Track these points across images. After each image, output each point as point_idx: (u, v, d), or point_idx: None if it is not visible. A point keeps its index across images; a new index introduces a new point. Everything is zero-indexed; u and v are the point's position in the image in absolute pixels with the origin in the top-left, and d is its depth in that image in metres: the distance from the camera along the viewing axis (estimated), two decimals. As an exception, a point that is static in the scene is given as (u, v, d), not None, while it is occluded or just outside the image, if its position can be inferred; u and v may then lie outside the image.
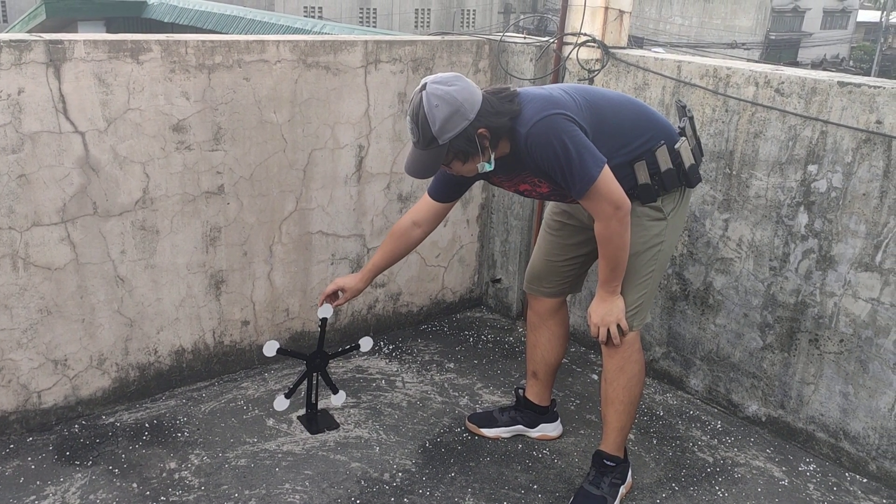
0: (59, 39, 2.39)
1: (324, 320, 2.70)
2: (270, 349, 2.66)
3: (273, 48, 2.80)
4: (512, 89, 2.15)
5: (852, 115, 2.52)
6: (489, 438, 2.79)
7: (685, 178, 2.29)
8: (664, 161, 2.24)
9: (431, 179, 2.45)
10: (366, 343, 2.85)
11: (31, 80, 2.36)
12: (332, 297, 2.59)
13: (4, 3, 23.76)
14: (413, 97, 2.06)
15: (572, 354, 3.45)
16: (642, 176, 2.23)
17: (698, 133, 2.50)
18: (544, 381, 2.75)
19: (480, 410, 2.91)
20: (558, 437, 2.82)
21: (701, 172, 2.90)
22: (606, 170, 2.09)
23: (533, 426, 2.80)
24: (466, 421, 2.85)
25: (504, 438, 2.79)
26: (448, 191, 2.43)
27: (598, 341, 2.37)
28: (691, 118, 2.37)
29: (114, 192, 2.60)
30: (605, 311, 2.30)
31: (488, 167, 2.15)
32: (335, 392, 2.86)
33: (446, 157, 2.09)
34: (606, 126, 2.19)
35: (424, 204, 2.47)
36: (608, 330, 2.32)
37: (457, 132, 2.04)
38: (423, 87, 2.05)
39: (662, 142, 2.25)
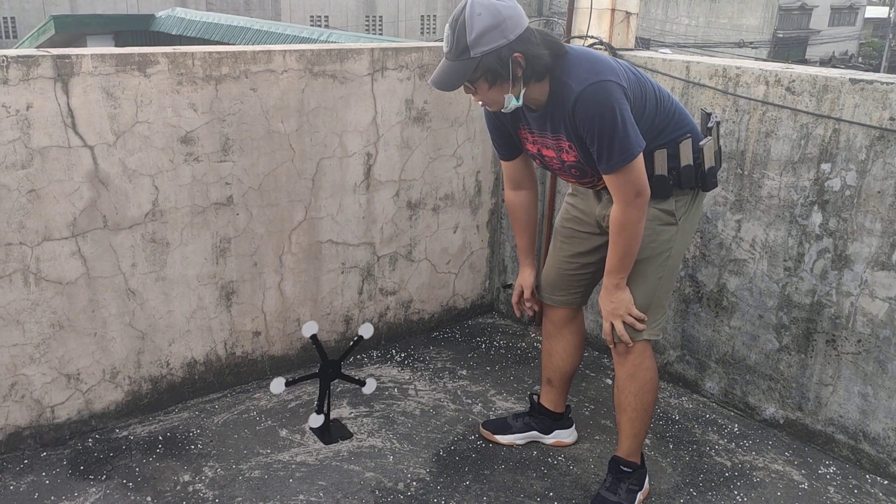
0: (66, 54, 2.40)
1: (313, 336, 2.70)
2: (278, 387, 2.68)
3: (279, 58, 2.80)
4: (562, 41, 2.10)
5: (865, 113, 2.49)
6: (504, 445, 2.76)
7: (702, 178, 2.25)
8: (686, 155, 2.20)
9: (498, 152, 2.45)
10: (366, 330, 2.82)
11: (39, 95, 2.37)
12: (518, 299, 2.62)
13: (14, 18, 23.99)
14: (459, 5, 1.99)
15: (586, 359, 3.42)
16: (660, 166, 2.18)
17: (720, 141, 2.48)
18: (559, 389, 2.72)
19: (494, 417, 2.89)
20: (573, 444, 2.79)
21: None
22: (641, 154, 2.07)
23: (548, 432, 2.77)
24: (480, 427, 2.83)
25: (519, 445, 2.77)
26: (507, 146, 2.40)
27: (608, 344, 2.35)
28: (718, 123, 2.35)
29: (123, 205, 2.61)
30: (612, 305, 2.28)
31: (515, 102, 2.07)
32: (363, 385, 2.88)
33: (474, 73, 2.00)
34: (646, 109, 2.15)
35: (506, 169, 2.47)
36: (620, 329, 2.28)
37: (491, 48, 1.96)
38: None
39: (689, 134, 2.21)
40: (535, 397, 2.80)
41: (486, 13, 1.95)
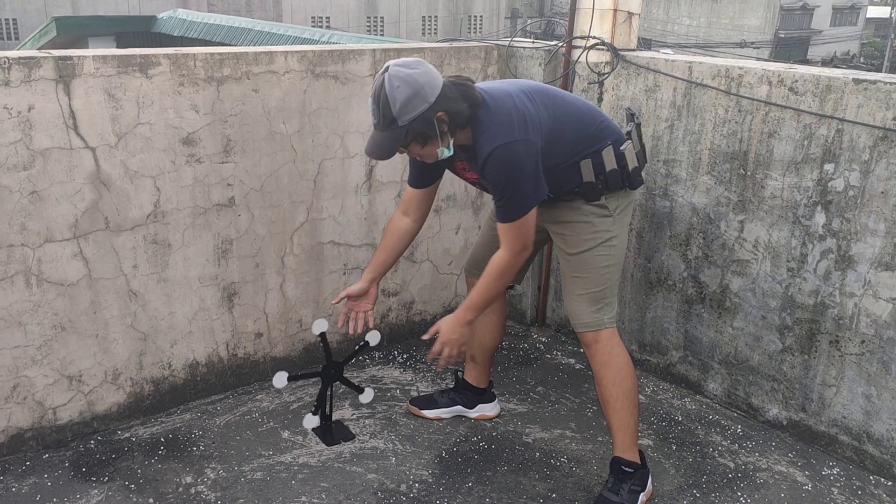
0: (68, 55, 2.40)
1: (322, 335, 2.72)
2: (280, 381, 2.69)
3: (281, 59, 2.80)
4: (473, 84, 2.21)
5: (868, 113, 2.48)
6: (430, 419, 2.88)
7: (628, 179, 2.40)
8: (609, 161, 2.35)
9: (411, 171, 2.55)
10: (373, 337, 2.83)
11: (41, 96, 2.37)
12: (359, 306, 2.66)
13: (15, 20, 24.01)
14: (375, 79, 2.12)
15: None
16: (587, 174, 2.33)
17: (644, 140, 2.63)
18: (482, 364, 2.88)
19: (423, 394, 3.03)
20: (496, 416, 2.91)
21: (716, 175, 2.89)
22: (534, 210, 2.21)
23: (472, 407, 2.91)
24: (408, 404, 2.95)
25: (445, 419, 2.89)
26: (421, 176, 2.52)
27: (427, 361, 2.47)
28: (638, 125, 2.51)
29: (125, 206, 2.60)
30: (454, 335, 2.35)
31: (447, 153, 2.19)
32: (361, 392, 2.90)
33: (405, 138, 2.14)
34: (565, 134, 2.29)
35: (407, 194, 2.57)
36: (445, 355, 2.35)
37: (416, 114, 2.08)
38: (386, 69, 2.10)
39: (609, 142, 2.35)
40: (459, 374, 2.93)
41: (404, 85, 2.06)
